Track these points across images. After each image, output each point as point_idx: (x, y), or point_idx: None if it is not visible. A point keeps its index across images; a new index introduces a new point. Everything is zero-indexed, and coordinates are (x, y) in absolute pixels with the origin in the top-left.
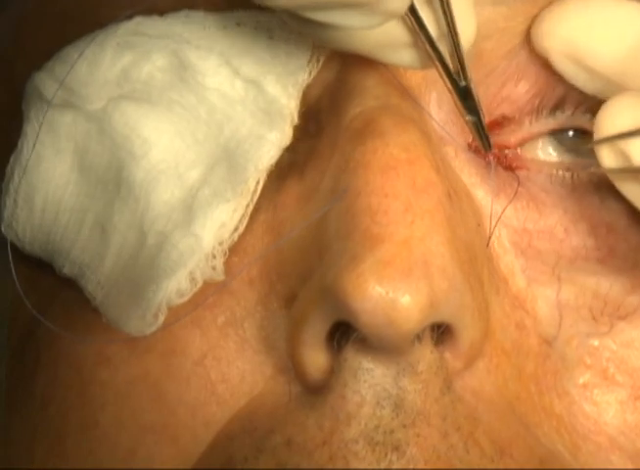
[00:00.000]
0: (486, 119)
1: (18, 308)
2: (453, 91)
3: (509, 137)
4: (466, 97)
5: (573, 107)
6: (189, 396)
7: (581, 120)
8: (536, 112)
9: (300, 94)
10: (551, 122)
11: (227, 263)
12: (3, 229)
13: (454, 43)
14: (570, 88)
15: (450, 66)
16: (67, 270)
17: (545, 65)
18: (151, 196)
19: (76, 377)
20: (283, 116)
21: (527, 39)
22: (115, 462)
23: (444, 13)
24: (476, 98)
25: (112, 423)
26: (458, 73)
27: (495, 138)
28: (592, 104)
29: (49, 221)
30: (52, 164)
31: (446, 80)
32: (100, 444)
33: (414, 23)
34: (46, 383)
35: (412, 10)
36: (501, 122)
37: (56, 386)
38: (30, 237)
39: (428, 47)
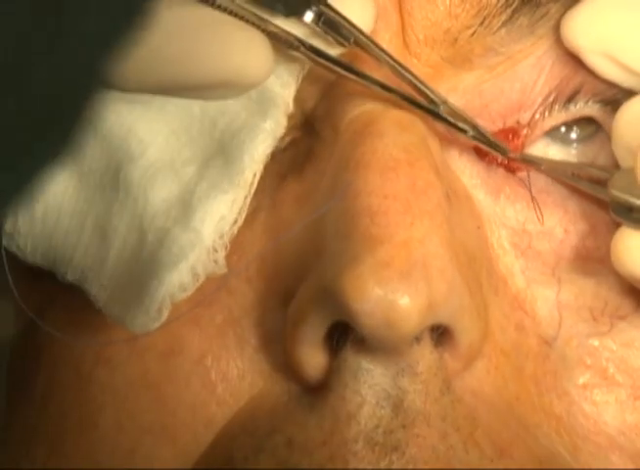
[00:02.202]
0: (500, 127)
1: (19, 309)
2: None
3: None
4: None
5: (586, 98)
6: (189, 396)
7: (591, 110)
8: (549, 108)
9: (298, 82)
10: (562, 116)
11: (227, 262)
12: (5, 242)
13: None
14: (584, 80)
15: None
16: (70, 276)
17: (562, 60)
18: (149, 194)
19: (75, 378)
20: (277, 104)
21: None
22: (115, 463)
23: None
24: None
25: (111, 424)
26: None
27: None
28: (606, 95)
29: (50, 229)
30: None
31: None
32: (99, 444)
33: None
34: (45, 384)
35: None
36: (515, 127)
37: (55, 387)
38: (32, 247)
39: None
